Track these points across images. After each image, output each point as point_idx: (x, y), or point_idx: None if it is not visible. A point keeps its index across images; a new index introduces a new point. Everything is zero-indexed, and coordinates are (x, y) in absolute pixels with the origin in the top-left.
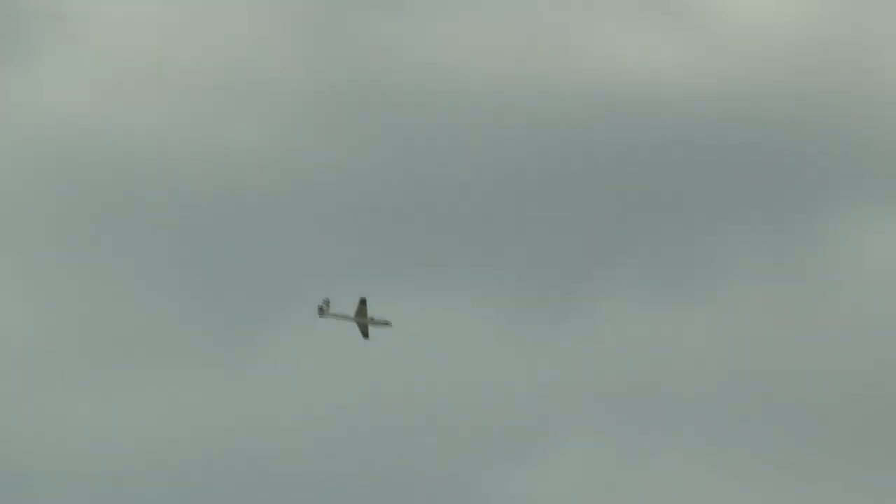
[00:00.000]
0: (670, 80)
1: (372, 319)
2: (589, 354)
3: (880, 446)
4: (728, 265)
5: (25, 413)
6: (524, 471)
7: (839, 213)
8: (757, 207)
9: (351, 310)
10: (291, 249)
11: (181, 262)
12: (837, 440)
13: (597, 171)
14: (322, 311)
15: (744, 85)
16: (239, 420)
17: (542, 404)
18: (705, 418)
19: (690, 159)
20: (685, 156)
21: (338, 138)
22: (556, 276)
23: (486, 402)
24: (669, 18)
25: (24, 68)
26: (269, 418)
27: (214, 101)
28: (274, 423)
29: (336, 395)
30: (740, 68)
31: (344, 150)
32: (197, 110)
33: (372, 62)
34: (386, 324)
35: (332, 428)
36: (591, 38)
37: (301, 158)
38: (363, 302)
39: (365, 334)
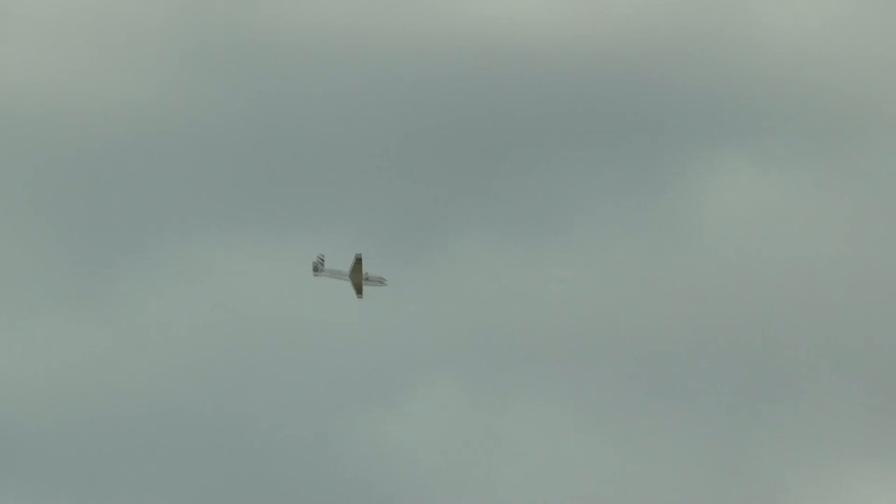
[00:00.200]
0: (531, 29)
1: (367, 277)
2: (446, 298)
3: (726, 385)
4: (582, 211)
5: None
6: (387, 417)
7: (688, 158)
8: (611, 154)
9: (346, 267)
10: (153, 195)
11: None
12: (687, 381)
13: (453, 119)
14: (317, 269)
15: (602, 37)
16: (98, 360)
17: (402, 349)
18: (561, 361)
19: (546, 108)
20: (541, 104)
21: (203, 92)
22: (413, 220)
23: (346, 349)
24: None
25: None
26: (131, 358)
27: (90, 52)
28: (134, 364)
29: (195, 338)
30: (599, 21)
31: (209, 103)
32: (68, 61)
33: (245, 19)
34: (381, 281)
35: (192, 370)
36: None
37: (164, 109)
38: (359, 260)
39: (359, 292)
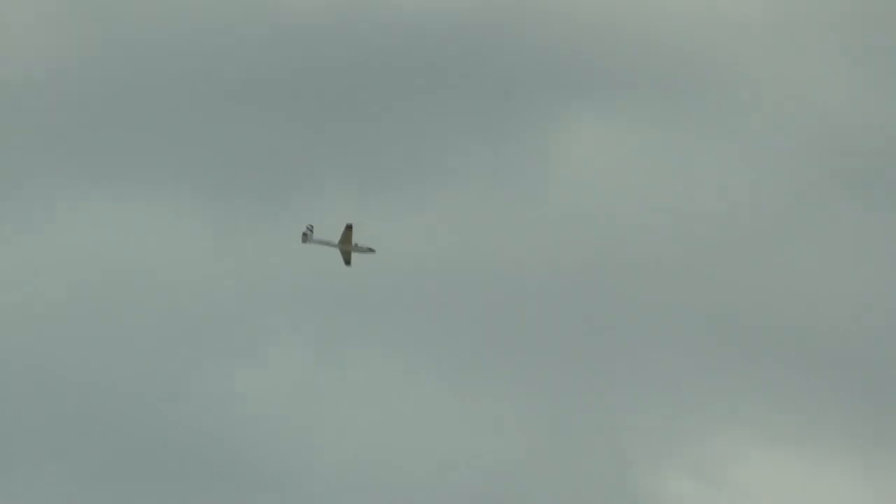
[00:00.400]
0: None
1: (356, 246)
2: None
3: (571, 336)
4: (436, 164)
5: None
6: (238, 371)
7: (541, 112)
8: (464, 108)
9: (335, 236)
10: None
11: None
12: (534, 332)
13: (310, 71)
14: (306, 237)
15: None
16: None
17: (255, 305)
18: (409, 313)
19: (402, 61)
20: (398, 58)
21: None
22: (273, 179)
23: (199, 303)
24: None
25: None
26: None
27: None
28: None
29: (39, 291)
30: None
31: (70, 53)
32: None
33: None
34: (370, 251)
35: (42, 322)
36: None
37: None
38: (349, 228)
39: (347, 261)
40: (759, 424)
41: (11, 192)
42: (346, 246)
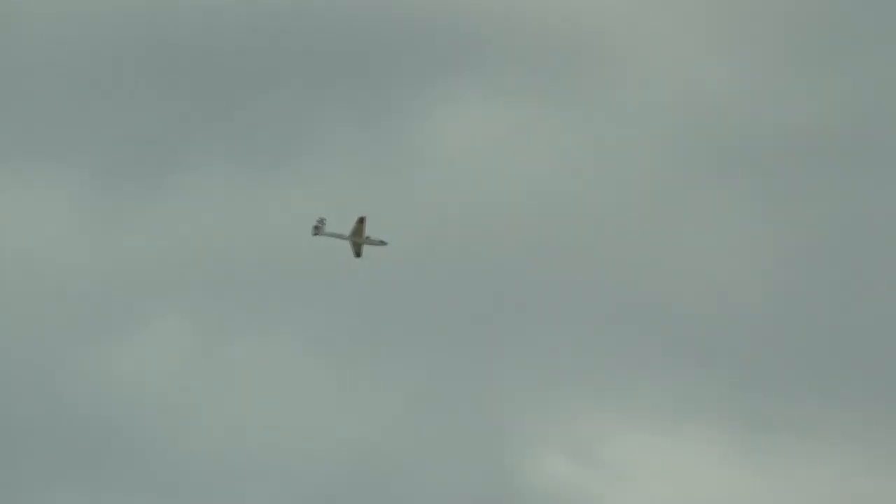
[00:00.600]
0: None
1: (368, 238)
2: (180, 230)
3: (454, 311)
4: (317, 141)
5: None
6: (114, 350)
7: (420, 89)
8: (344, 85)
9: (346, 228)
10: None
11: None
12: (421, 318)
13: (190, 50)
14: (317, 230)
15: None
16: None
17: (132, 281)
18: (291, 292)
19: (282, 40)
20: (278, 36)
21: None
22: (149, 150)
23: (74, 280)
24: None
25: None
26: None
27: None
28: None
29: None
30: None
31: None
32: None
33: None
34: (382, 243)
35: None
36: None
37: None
38: (361, 220)
39: (357, 253)
40: (633, 404)
41: None
42: (358, 238)
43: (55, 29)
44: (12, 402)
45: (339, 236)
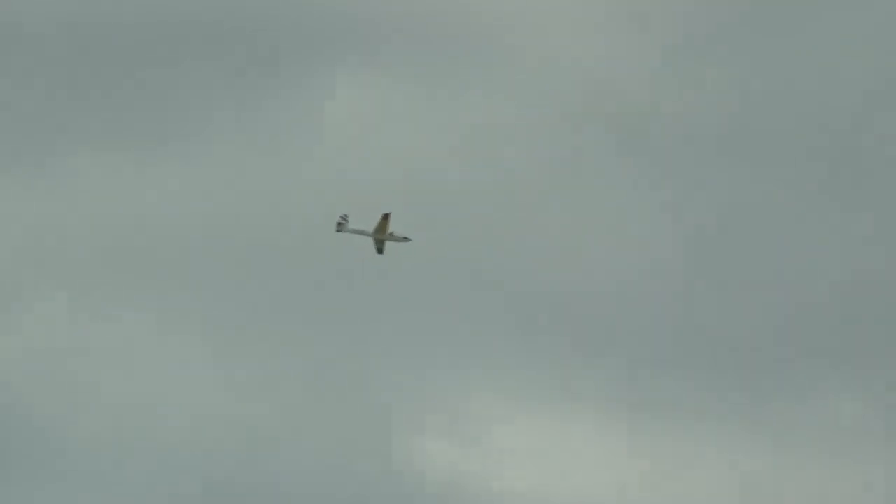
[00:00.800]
0: None
1: (392, 235)
2: (62, 212)
3: (350, 297)
4: (200, 123)
5: None
6: None
7: (306, 67)
8: (228, 66)
9: (370, 225)
10: None
11: None
12: (308, 298)
13: (75, 37)
14: (340, 226)
15: None
16: None
17: (10, 263)
18: (173, 273)
19: (166, 20)
20: (162, 15)
21: None
22: (28, 132)
23: None
24: None
25: None
26: None
27: None
28: None
29: None
30: None
31: None
32: None
33: None
34: (405, 239)
35: None
36: None
37: None
38: (385, 217)
39: (380, 250)
40: (519, 387)
41: None
42: (382, 235)
43: None
44: None
45: (363, 233)
